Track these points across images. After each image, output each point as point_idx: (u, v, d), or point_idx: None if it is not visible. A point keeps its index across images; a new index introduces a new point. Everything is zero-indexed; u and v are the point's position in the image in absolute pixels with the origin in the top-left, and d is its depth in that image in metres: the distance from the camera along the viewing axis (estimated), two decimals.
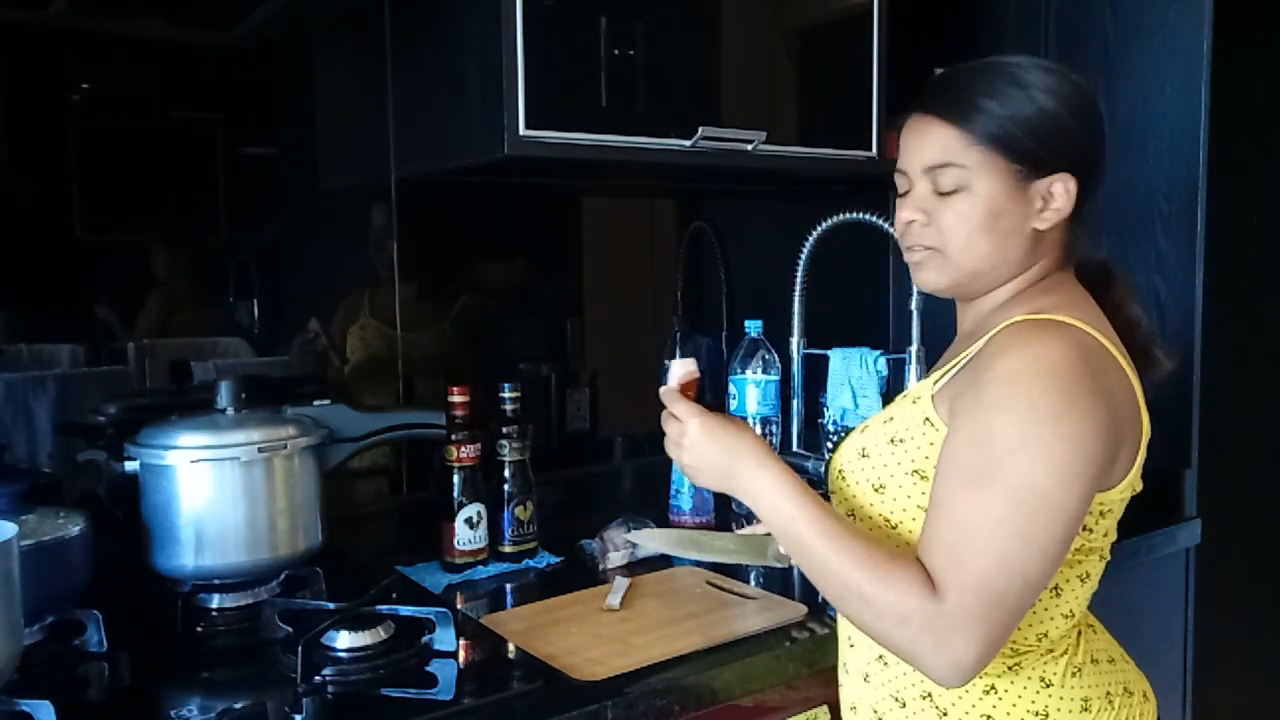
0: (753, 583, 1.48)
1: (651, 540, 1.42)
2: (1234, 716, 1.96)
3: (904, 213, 1.00)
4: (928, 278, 1.00)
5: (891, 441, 0.98)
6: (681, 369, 1.04)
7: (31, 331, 1.38)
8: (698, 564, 1.50)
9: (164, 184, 1.46)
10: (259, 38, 1.51)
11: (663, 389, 1.03)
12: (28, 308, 1.38)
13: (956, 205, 0.95)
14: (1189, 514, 1.78)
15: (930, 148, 0.96)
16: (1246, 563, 1.96)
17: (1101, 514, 0.93)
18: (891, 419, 1.00)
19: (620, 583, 1.38)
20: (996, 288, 0.99)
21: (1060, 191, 0.94)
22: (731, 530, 1.71)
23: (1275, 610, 2.02)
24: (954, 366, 0.97)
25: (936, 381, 0.98)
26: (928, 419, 0.95)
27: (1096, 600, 1.08)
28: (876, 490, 0.99)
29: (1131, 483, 0.94)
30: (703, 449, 0.97)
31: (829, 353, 1.81)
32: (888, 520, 0.97)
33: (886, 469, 0.98)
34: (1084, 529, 0.93)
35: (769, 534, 1.34)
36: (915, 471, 0.95)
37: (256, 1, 1.50)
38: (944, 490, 0.88)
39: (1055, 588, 0.95)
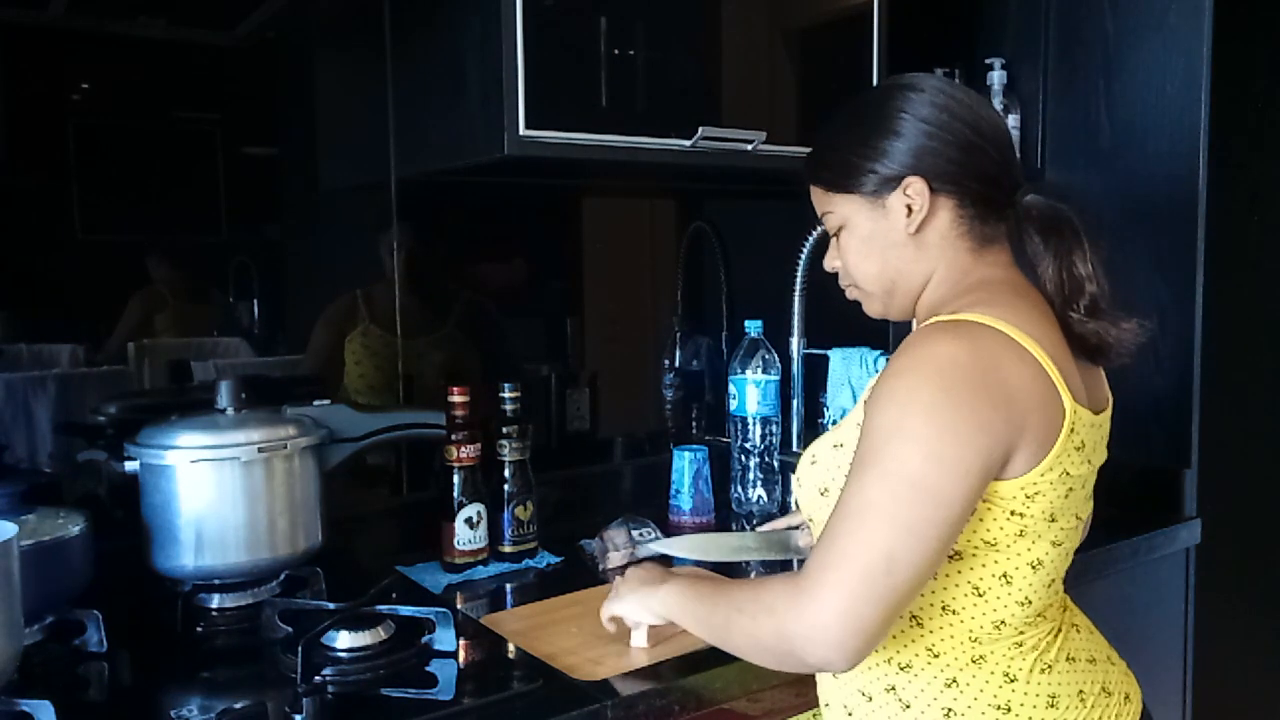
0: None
1: (673, 548, 1.44)
2: (1234, 716, 1.96)
3: (826, 264, 1.13)
4: (867, 309, 1.11)
5: (834, 447, 1.03)
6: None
7: (31, 331, 1.38)
8: (699, 564, 1.50)
9: (164, 184, 1.46)
10: (259, 38, 1.51)
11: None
12: (28, 308, 1.38)
13: (843, 242, 1.08)
14: (1189, 514, 1.78)
15: (815, 205, 1.10)
16: (1246, 563, 1.96)
17: (1029, 497, 0.93)
18: (840, 426, 1.05)
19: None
20: (918, 296, 1.06)
21: (914, 194, 1.00)
22: (731, 528, 1.72)
23: (1275, 610, 2.02)
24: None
25: (870, 387, 1.01)
26: (858, 423, 0.98)
27: (1096, 600, 1.08)
28: (822, 494, 1.03)
29: (1058, 464, 0.92)
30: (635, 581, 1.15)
31: (829, 353, 1.81)
32: None
33: (828, 473, 1.02)
34: (1014, 514, 0.93)
35: (793, 528, 1.39)
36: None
37: (256, 1, 1.50)
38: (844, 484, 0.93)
39: (1004, 575, 0.96)
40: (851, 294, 1.11)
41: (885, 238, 1.03)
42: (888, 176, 1.01)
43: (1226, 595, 1.88)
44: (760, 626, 0.92)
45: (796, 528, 1.42)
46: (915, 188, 1.00)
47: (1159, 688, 1.08)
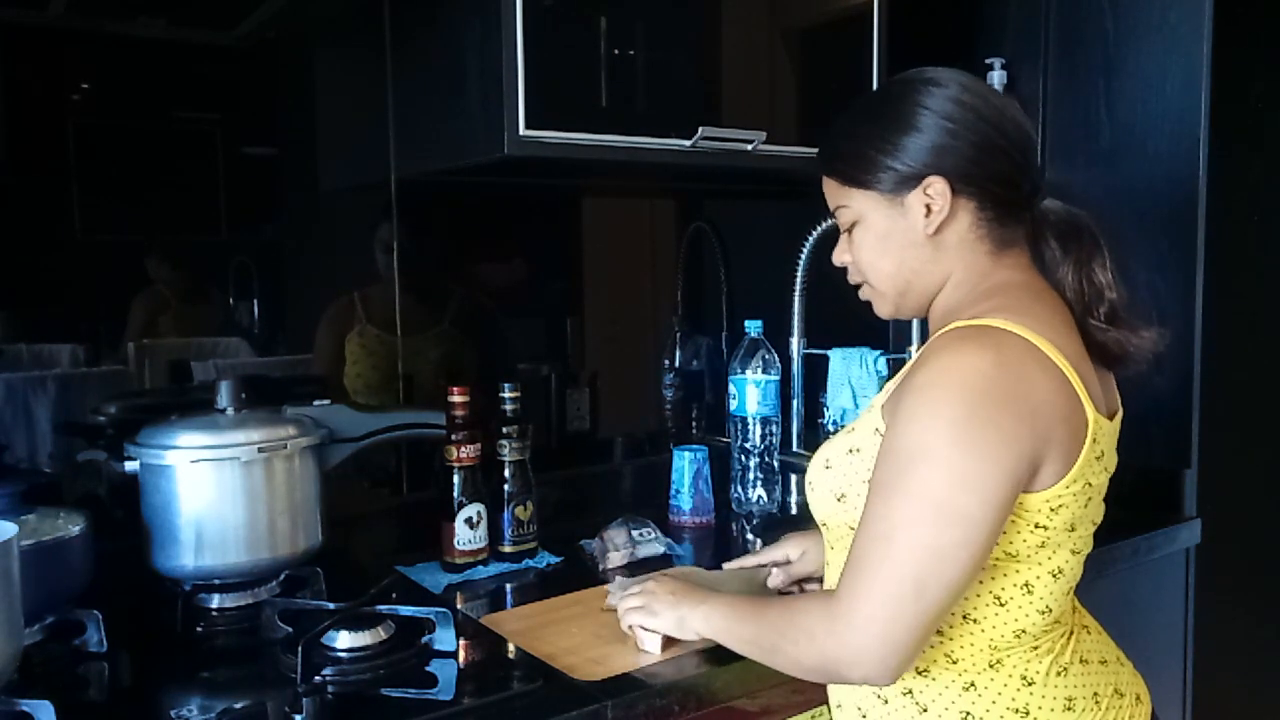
0: None
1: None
2: (1234, 716, 1.96)
3: (836, 259, 1.10)
4: (877, 309, 1.09)
5: (850, 451, 1.01)
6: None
7: (31, 331, 1.39)
8: (697, 560, 1.50)
9: (164, 184, 1.46)
10: (259, 38, 1.51)
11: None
12: (28, 308, 1.38)
13: (857, 238, 1.05)
14: (1189, 514, 1.78)
15: (828, 198, 1.07)
16: (1246, 563, 1.96)
17: (1053, 510, 0.92)
18: (853, 429, 1.03)
19: (620, 582, 1.38)
20: (933, 297, 1.04)
21: (935, 194, 0.98)
22: (731, 529, 1.72)
23: (1275, 610, 2.02)
24: (900, 376, 0.99)
25: (889, 391, 1.00)
26: (876, 429, 0.97)
27: (1096, 600, 1.08)
28: (839, 500, 1.01)
29: (1081, 475, 0.92)
30: (672, 596, 1.14)
31: (829, 353, 1.81)
32: (851, 529, 0.98)
33: (845, 478, 1.01)
34: (1038, 526, 0.93)
35: (761, 566, 1.34)
36: (869, 480, 0.95)
37: (256, 1, 1.50)
38: (866, 502, 0.92)
39: (1026, 585, 0.96)
40: (864, 294, 1.09)
41: (902, 237, 1.00)
42: (907, 174, 0.98)
43: (1226, 595, 1.88)
44: (802, 651, 0.94)
45: (765, 566, 1.35)
46: (936, 188, 0.97)
47: (1159, 688, 1.08)
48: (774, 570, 1.33)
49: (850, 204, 1.03)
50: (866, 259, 1.04)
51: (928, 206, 0.98)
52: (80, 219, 1.41)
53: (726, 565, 1.37)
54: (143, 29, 1.43)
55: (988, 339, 0.91)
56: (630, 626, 1.16)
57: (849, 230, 1.05)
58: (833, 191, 1.06)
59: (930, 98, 0.98)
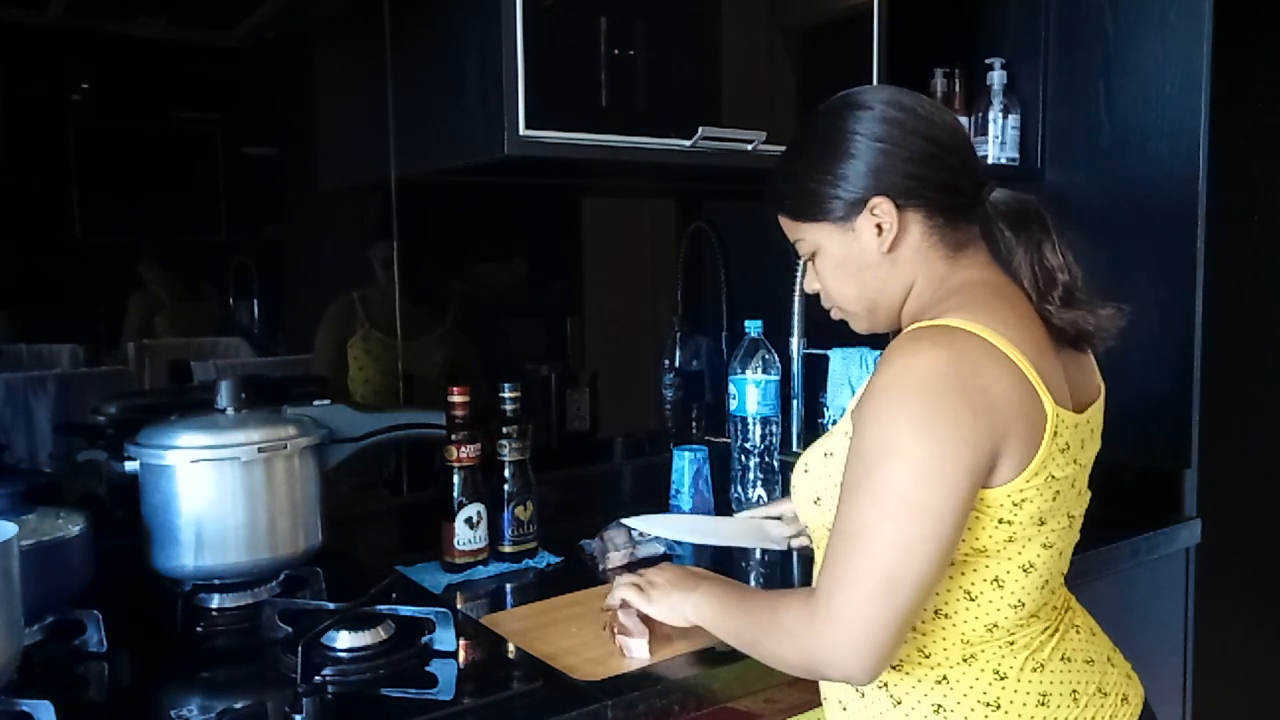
0: (753, 581, 1.48)
1: (652, 526, 1.44)
2: (1234, 717, 1.96)
3: (806, 288, 1.14)
4: (854, 327, 1.12)
5: (825, 455, 1.03)
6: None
7: (31, 331, 1.39)
8: (698, 560, 1.51)
9: (164, 184, 1.46)
10: (259, 38, 1.51)
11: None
12: (28, 308, 1.38)
13: (819, 267, 1.08)
14: (1189, 514, 1.78)
15: (785, 233, 1.10)
16: (1246, 563, 1.96)
17: (1015, 504, 0.93)
18: (830, 434, 1.05)
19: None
20: (900, 309, 1.06)
21: (882, 214, 1.00)
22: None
23: (1275, 610, 2.02)
24: (867, 380, 1.00)
25: (858, 396, 1.01)
26: (846, 432, 0.99)
27: (1096, 600, 1.08)
28: (815, 503, 1.03)
29: (1042, 469, 0.93)
30: (668, 584, 1.15)
31: (829, 353, 1.81)
32: (828, 530, 0.98)
33: (820, 482, 1.03)
34: (1002, 521, 0.93)
35: (775, 517, 1.39)
36: (841, 484, 0.97)
37: (256, 1, 1.50)
38: (838, 503, 0.94)
39: (996, 579, 0.96)
40: (836, 315, 1.12)
41: (860, 259, 1.03)
42: (851, 201, 1.00)
43: (1226, 595, 1.89)
44: (783, 648, 0.96)
45: (778, 518, 1.42)
46: (882, 208, 0.99)
47: (1159, 688, 1.08)
48: (785, 520, 1.39)
49: (806, 236, 1.07)
50: (831, 285, 1.08)
51: (878, 227, 1.00)
52: (80, 219, 1.41)
53: (740, 514, 1.44)
54: (143, 29, 1.43)
55: (942, 337, 0.93)
56: (615, 635, 1.17)
57: (811, 260, 1.09)
58: (786, 227, 1.09)
59: (858, 122, 1.00)
